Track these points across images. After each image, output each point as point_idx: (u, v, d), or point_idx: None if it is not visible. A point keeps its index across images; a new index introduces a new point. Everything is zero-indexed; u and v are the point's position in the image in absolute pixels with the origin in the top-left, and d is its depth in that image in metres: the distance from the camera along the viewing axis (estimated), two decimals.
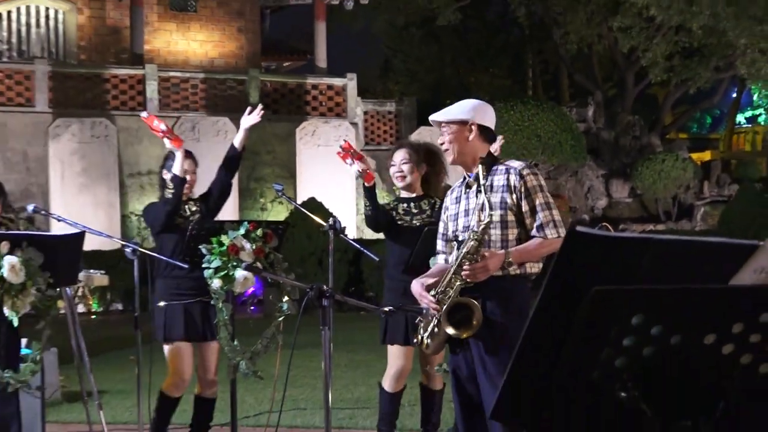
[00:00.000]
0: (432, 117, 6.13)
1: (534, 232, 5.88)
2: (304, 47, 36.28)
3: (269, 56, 35.91)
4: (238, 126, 8.47)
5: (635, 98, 36.82)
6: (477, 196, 6.00)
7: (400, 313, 7.66)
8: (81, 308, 22.64)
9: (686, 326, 2.69)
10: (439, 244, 6.25)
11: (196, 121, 27.01)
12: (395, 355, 8.07)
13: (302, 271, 20.59)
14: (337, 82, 30.05)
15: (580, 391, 2.78)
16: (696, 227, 32.30)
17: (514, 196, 5.92)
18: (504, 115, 29.45)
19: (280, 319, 7.51)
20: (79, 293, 22.52)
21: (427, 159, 8.20)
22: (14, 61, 27.82)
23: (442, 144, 6.10)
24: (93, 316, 22.95)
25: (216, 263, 7.30)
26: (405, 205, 8.08)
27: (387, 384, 8.17)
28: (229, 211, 24.77)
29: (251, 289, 7.66)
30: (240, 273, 7.28)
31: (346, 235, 8.18)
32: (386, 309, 7.32)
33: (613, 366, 2.72)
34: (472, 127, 6.02)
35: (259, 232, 7.47)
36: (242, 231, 7.40)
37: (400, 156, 8.11)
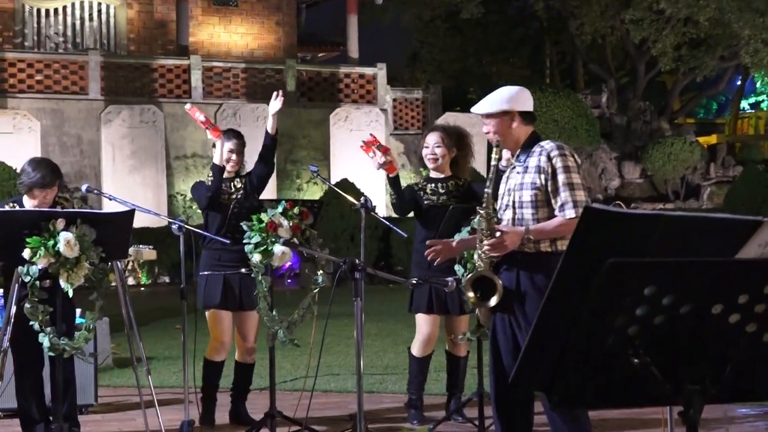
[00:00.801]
0: (475, 110, 6.04)
1: (556, 211, 5.83)
2: (338, 39, 36.23)
3: (305, 47, 35.88)
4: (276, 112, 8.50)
5: (646, 86, 36.65)
6: (515, 177, 5.98)
7: (425, 285, 7.68)
8: (131, 281, 22.74)
9: (695, 297, 2.68)
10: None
11: (237, 108, 27.03)
12: (421, 322, 8.09)
13: (335, 246, 20.60)
14: (368, 71, 30.01)
15: (594, 357, 2.76)
16: (703, 206, 32.17)
17: (543, 176, 5.87)
18: None
19: (316, 290, 7.52)
20: (129, 267, 22.62)
21: (457, 142, 8.19)
22: (69, 53, 27.89)
23: (487, 133, 6.01)
24: (142, 288, 23.04)
25: (256, 239, 7.31)
26: (433, 185, 8.08)
27: (415, 349, 8.20)
28: (268, 191, 24.74)
29: (288, 263, 7.64)
30: (278, 248, 7.29)
31: (376, 213, 8.18)
32: (413, 281, 7.32)
33: (626, 333, 2.70)
34: (515, 116, 5.99)
35: (296, 210, 7.47)
36: (280, 209, 7.41)
37: (434, 139, 8.10)
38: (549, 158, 5.87)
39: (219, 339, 7.97)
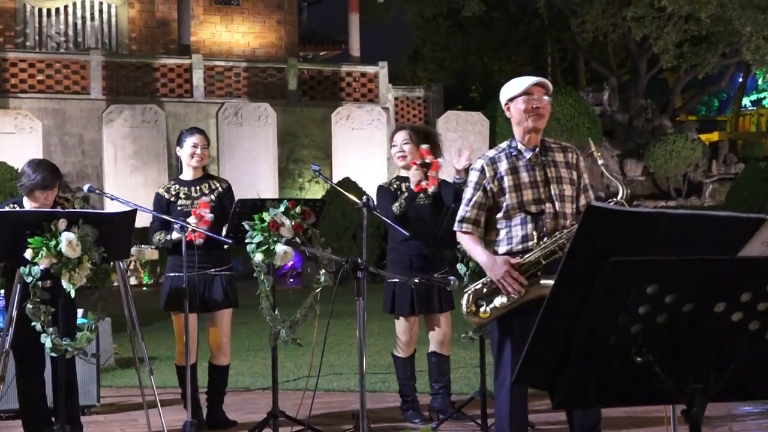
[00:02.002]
0: (541, 79, 5.99)
1: (581, 207, 5.93)
2: (339, 38, 36.26)
3: (306, 46, 35.91)
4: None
5: (647, 83, 36.65)
6: (546, 170, 5.95)
7: (405, 286, 7.69)
8: (133, 281, 22.72)
9: (698, 295, 2.67)
10: (473, 213, 5.99)
11: (239, 107, 27.02)
12: (403, 325, 8.09)
13: (338, 245, 20.60)
14: (369, 69, 30.01)
15: (597, 356, 2.76)
16: (705, 203, 32.17)
17: (574, 173, 5.98)
18: None
19: (318, 290, 7.51)
20: (131, 267, 22.60)
21: (426, 140, 8.15)
22: (71, 52, 27.91)
23: (539, 107, 5.92)
24: (144, 288, 23.02)
25: (258, 238, 7.31)
26: (407, 184, 8.06)
27: (400, 351, 8.20)
28: (269, 190, 24.82)
29: (290, 263, 7.65)
30: (280, 247, 7.29)
31: (378, 212, 8.16)
32: (416, 280, 7.32)
33: (629, 332, 2.70)
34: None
35: (297, 209, 7.47)
36: (282, 208, 7.40)
37: (401, 137, 8.12)
38: (578, 155, 6.08)
39: (182, 342, 7.84)
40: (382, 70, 29.92)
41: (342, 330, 12.94)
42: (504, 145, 6.07)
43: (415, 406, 8.20)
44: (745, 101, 46.77)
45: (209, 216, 7.64)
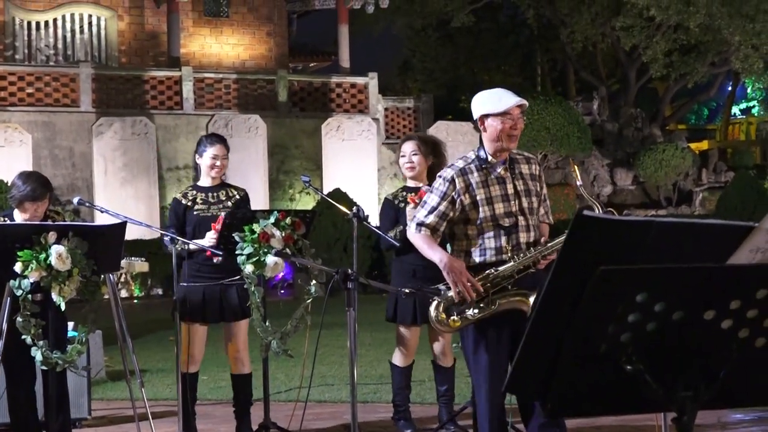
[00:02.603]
0: (522, 101, 5.96)
1: (544, 218, 5.96)
2: (329, 49, 36.30)
3: (296, 58, 35.93)
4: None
5: (637, 92, 36.75)
6: (515, 183, 5.97)
7: (409, 295, 7.69)
8: (123, 293, 22.72)
9: (687, 303, 2.68)
10: (433, 220, 5.96)
11: (229, 119, 27.02)
12: (403, 333, 8.09)
13: (328, 256, 20.60)
14: (359, 80, 30.05)
15: (587, 364, 2.76)
16: (695, 212, 32.24)
17: (538, 184, 6.05)
18: None
19: (309, 301, 7.50)
20: (122, 279, 22.59)
21: (433, 151, 8.20)
22: (60, 65, 27.91)
23: (515, 129, 5.93)
24: (135, 301, 23.02)
25: (248, 250, 7.30)
26: (412, 195, 8.08)
27: (398, 360, 8.19)
28: (259, 202, 24.81)
29: (281, 274, 7.63)
30: (270, 259, 7.28)
31: (369, 223, 8.16)
32: (407, 290, 7.33)
33: (618, 341, 2.70)
34: None
35: (288, 220, 7.46)
36: (272, 219, 7.40)
37: (410, 147, 8.12)
38: (539, 165, 6.13)
39: (188, 351, 7.83)
40: (372, 81, 29.96)
41: (333, 341, 12.93)
42: (472, 155, 6.04)
43: (407, 416, 8.19)
44: (735, 110, 46.91)
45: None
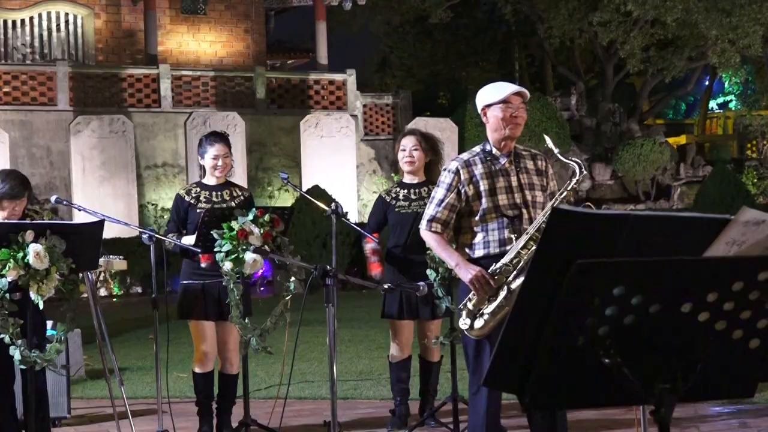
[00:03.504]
0: (520, 88, 6.05)
1: (544, 215, 5.99)
2: (307, 46, 36.27)
3: (274, 55, 35.90)
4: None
5: (615, 87, 36.83)
6: (519, 176, 6.00)
7: (396, 290, 7.71)
8: (102, 292, 22.67)
9: (664, 296, 2.69)
10: (443, 214, 6.02)
11: (207, 116, 26.97)
12: (392, 327, 8.13)
13: (307, 253, 20.59)
14: (337, 77, 30.04)
15: (565, 358, 2.77)
16: (673, 206, 32.33)
17: (544, 179, 6.08)
18: None
19: (288, 298, 7.49)
20: (101, 278, 22.53)
21: (432, 147, 8.24)
22: (37, 64, 27.81)
23: (516, 117, 6.00)
24: (114, 299, 22.97)
25: (227, 247, 7.28)
26: (405, 191, 8.11)
27: (390, 355, 8.23)
28: None
29: (260, 271, 7.62)
30: (249, 256, 7.26)
31: (347, 220, 8.18)
32: (385, 286, 7.35)
33: (596, 334, 2.71)
34: None
35: (266, 217, 7.45)
36: (251, 217, 7.39)
37: (411, 142, 8.12)
38: (546, 162, 6.18)
39: (200, 350, 7.83)
40: (350, 77, 29.95)
41: (313, 338, 12.93)
42: (477, 149, 6.12)
43: (401, 411, 8.18)
44: (712, 104, 47.03)
45: None
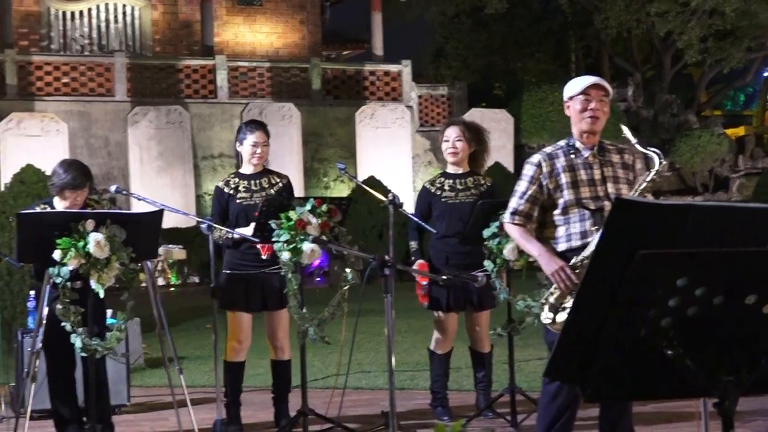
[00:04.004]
0: (600, 80, 6.06)
1: None
2: (362, 37, 36.23)
3: (329, 46, 35.91)
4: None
5: (672, 78, 36.50)
6: (603, 169, 5.98)
7: (440, 282, 7.71)
8: (161, 281, 22.82)
9: (728, 287, 2.67)
10: (525, 206, 6.02)
11: (263, 107, 27.05)
12: (438, 320, 8.11)
13: (364, 243, 20.60)
14: (392, 68, 30.02)
15: (627, 349, 2.76)
16: (732, 198, 32.04)
17: (631, 173, 6.04)
18: (549, 96, 29.30)
19: (345, 288, 7.50)
20: (159, 267, 22.68)
21: (476, 137, 8.21)
22: (95, 55, 28.03)
23: (594, 110, 5.99)
24: (172, 289, 23.12)
25: (285, 237, 7.30)
26: (451, 181, 8.09)
27: (434, 347, 8.21)
28: (295, 190, 24.80)
29: (318, 261, 7.64)
30: (307, 246, 7.28)
31: (404, 210, 8.17)
32: (444, 277, 7.34)
33: (659, 325, 2.70)
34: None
35: (324, 207, 7.46)
36: (308, 207, 7.40)
37: (454, 133, 8.11)
38: (635, 158, 6.11)
39: (236, 339, 7.84)
40: (405, 68, 29.92)
41: (370, 328, 12.93)
42: (562, 142, 6.13)
43: (444, 402, 8.20)
44: None
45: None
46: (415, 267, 7.91)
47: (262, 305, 7.83)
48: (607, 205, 5.90)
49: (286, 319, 8.01)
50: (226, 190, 7.91)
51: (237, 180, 7.96)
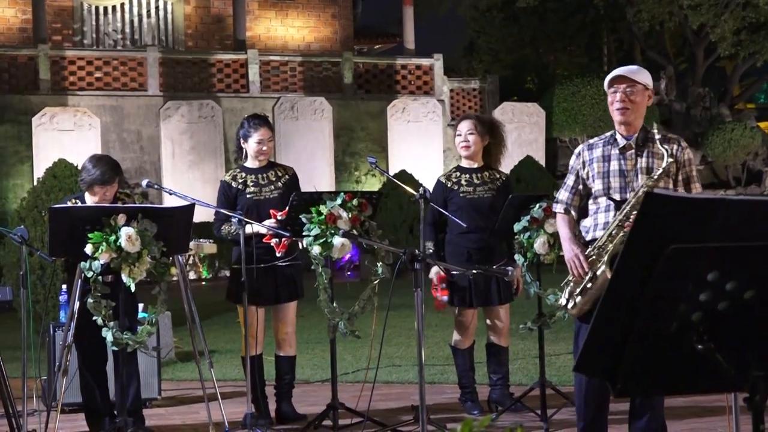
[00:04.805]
0: (624, 71, 6.04)
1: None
2: (394, 30, 36.23)
3: (361, 40, 35.91)
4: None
5: (705, 71, 36.31)
6: (638, 160, 5.97)
7: (463, 277, 7.69)
8: (192, 275, 22.88)
9: (760, 282, 2.65)
10: (565, 196, 6.13)
11: (294, 101, 27.08)
12: (459, 315, 8.10)
13: (394, 237, 20.61)
14: (424, 62, 29.98)
15: (658, 344, 2.74)
16: (765, 192, 31.86)
17: (675, 165, 5.98)
18: (582, 89, 29.22)
19: (376, 282, 7.50)
20: (190, 261, 22.75)
21: (490, 131, 8.18)
22: (128, 49, 28.12)
23: (621, 101, 5.99)
24: (203, 282, 23.17)
25: (315, 231, 7.31)
26: (467, 176, 8.07)
27: (456, 342, 8.20)
28: (326, 184, 24.86)
29: (348, 255, 7.65)
30: (337, 240, 7.28)
31: (435, 204, 8.15)
32: (473, 271, 7.33)
33: (689, 320, 2.68)
34: (651, 94, 6.02)
35: (354, 201, 7.46)
36: (339, 201, 7.41)
37: (466, 127, 8.11)
38: (682, 147, 6.04)
39: (250, 334, 7.81)
40: (437, 62, 29.89)
41: (400, 322, 12.95)
42: (608, 134, 6.16)
43: (473, 397, 8.19)
44: None
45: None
46: (433, 274, 7.91)
47: (275, 298, 7.82)
48: (631, 196, 5.90)
49: (294, 312, 8.02)
50: (233, 185, 7.91)
51: (244, 174, 7.96)
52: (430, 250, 7.98)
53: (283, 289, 7.83)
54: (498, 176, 8.16)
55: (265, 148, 7.92)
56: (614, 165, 5.97)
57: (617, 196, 5.93)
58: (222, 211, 7.76)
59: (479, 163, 8.14)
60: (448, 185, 8.12)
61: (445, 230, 8.20)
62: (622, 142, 6.02)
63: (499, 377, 8.22)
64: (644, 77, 6.05)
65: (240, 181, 7.92)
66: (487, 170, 8.11)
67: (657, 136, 6.00)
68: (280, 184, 7.89)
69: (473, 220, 7.88)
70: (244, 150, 8.03)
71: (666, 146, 5.99)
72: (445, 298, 7.94)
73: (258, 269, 7.68)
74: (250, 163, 8.00)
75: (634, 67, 6.21)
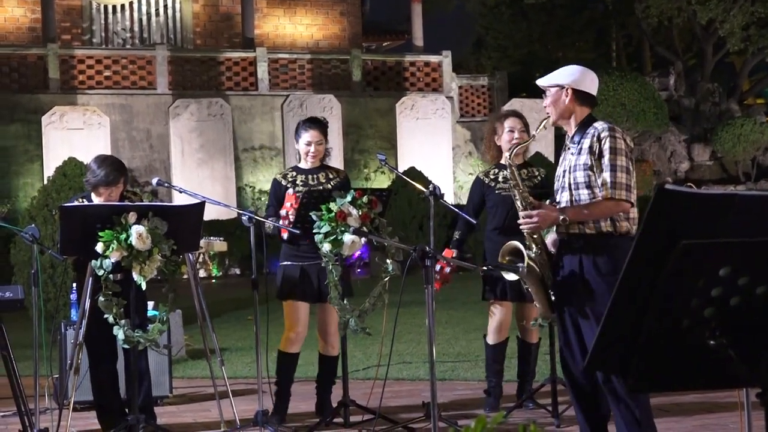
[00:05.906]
0: (537, 82, 6.14)
1: (596, 191, 5.84)
2: (402, 28, 36.20)
3: (370, 37, 35.88)
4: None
5: (714, 67, 36.27)
6: (566, 159, 6.02)
7: (497, 271, 7.66)
8: (202, 273, 22.91)
9: None
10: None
11: (303, 99, 27.09)
12: (493, 309, 8.09)
13: (404, 234, 20.59)
14: (433, 59, 29.96)
15: (670, 340, 2.74)
16: None
17: (592, 157, 5.89)
18: None
19: (386, 279, 7.50)
20: (200, 259, 22.77)
21: (528, 129, 8.19)
22: (137, 48, 28.12)
23: (544, 107, 6.09)
24: (213, 280, 23.20)
25: (325, 228, 7.31)
26: (504, 173, 8.02)
27: (488, 336, 8.20)
28: None
29: (358, 252, 7.64)
30: (348, 237, 7.28)
31: (445, 201, 8.14)
32: (483, 267, 7.33)
33: (702, 315, 2.68)
34: (568, 91, 5.96)
35: (364, 198, 7.46)
36: (349, 198, 7.40)
37: (519, 124, 8.06)
38: (599, 139, 5.88)
39: (293, 330, 7.83)
40: (445, 59, 29.86)
41: (410, 319, 12.94)
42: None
43: (497, 393, 8.16)
44: None
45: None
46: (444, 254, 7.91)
47: (318, 296, 7.81)
48: (563, 196, 6.06)
49: (336, 313, 8.01)
50: (283, 182, 7.93)
51: (295, 174, 7.98)
52: (455, 238, 8.03)
53: (326, 289, 7.78)
54: (536, 173, 8.15)
55: (312, 149, 7.94)
56: (558, 168, 6.21)
57: (556, 196, 6.20)
58: (232, 208, 7.77)
59: (520, 161, 8.12)
60: (486, 182, 8.13)
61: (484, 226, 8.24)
62: (566, 141, 6.13)
63: (528, 373, 8.23)
64: (550, 79, 6.10)
65: (290, 179, 7.93)
66: (526, 168, 8.09)
67: (591, 129, 6.05)
68: (329, 185, 7.87)
69: (511, 218, 7.86)
70: (298, 151, 8.09)
71: (593, 138, 6.05)
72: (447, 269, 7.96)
73: (303, 266, 7.72)
74: (303, 163, 8.03)
75: (558, 71, 6.17)
